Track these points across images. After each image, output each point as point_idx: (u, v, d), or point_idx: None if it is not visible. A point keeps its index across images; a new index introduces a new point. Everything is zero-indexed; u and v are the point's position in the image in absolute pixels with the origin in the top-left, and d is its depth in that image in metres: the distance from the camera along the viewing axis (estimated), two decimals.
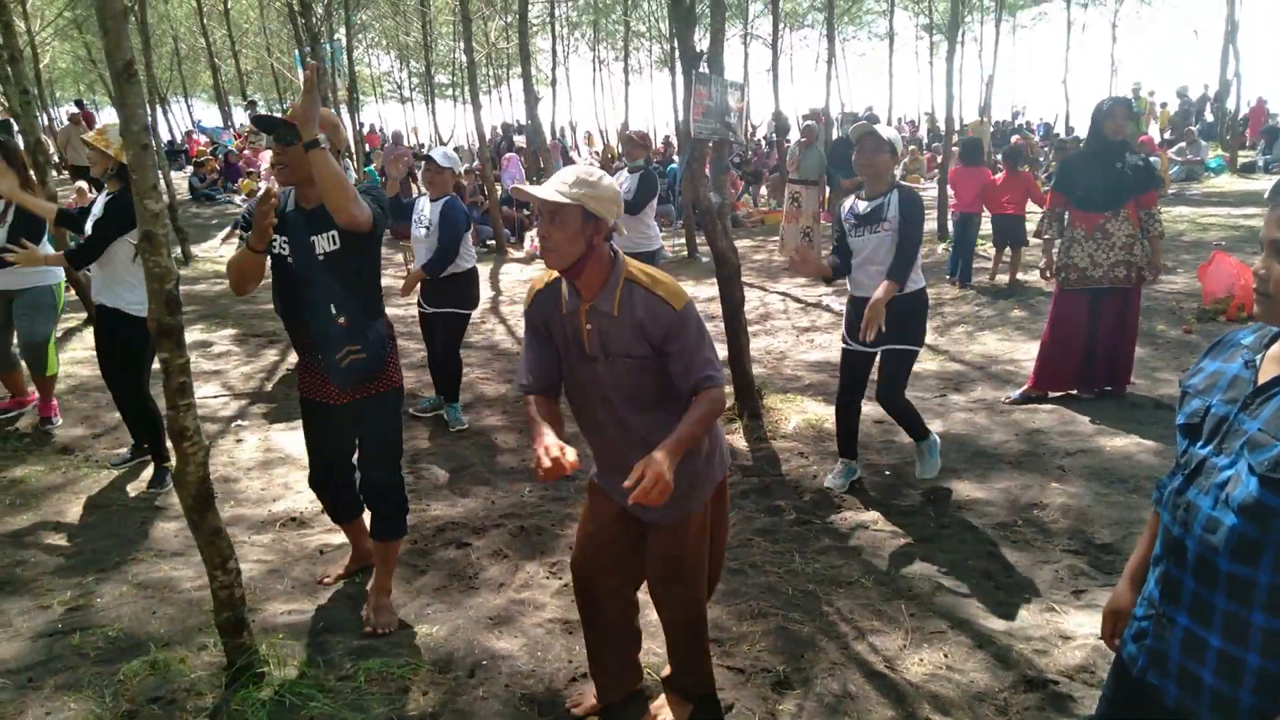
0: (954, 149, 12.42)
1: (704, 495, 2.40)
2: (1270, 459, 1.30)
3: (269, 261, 2.97)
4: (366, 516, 3.30)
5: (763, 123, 23.77)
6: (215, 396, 6.04)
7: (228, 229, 12.88)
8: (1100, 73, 32.49)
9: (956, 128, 17.92)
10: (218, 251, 12.14)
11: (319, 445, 3.20)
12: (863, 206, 4.02)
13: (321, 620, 3.23)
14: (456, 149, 23.27)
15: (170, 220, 9.45)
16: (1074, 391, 5.43)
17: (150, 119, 2.77)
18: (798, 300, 9.02)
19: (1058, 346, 5.30)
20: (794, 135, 16.12)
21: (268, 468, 4.78)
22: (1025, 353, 6.36)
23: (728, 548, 3.70)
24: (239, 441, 5.17)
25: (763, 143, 21.44)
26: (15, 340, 5.34)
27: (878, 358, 4.15)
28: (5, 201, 4.83)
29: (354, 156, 18.24)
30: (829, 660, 2.92)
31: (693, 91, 5.09)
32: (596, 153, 25.18)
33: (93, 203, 4.49)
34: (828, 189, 11.65)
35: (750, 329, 6.10)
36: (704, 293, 8.91)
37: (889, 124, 25.79)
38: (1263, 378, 1.40)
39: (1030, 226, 8.39)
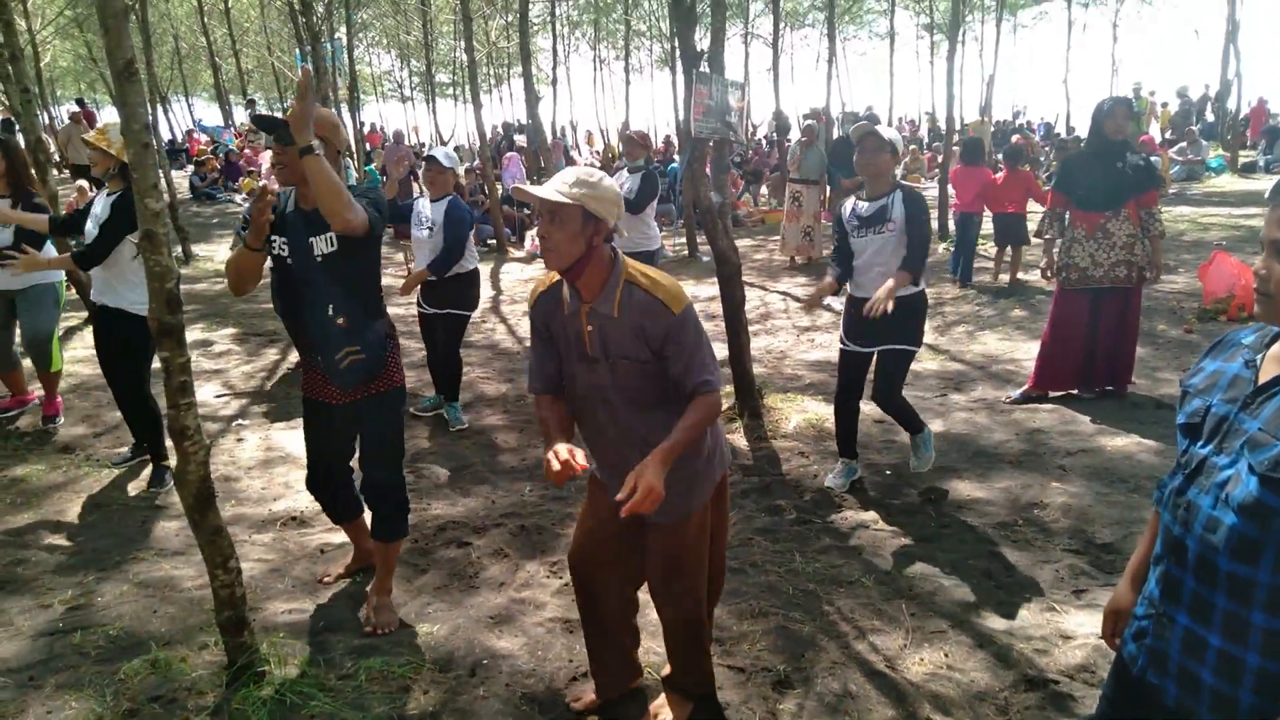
0: (955, 149, 12.42)
1: (704, 494, 2.40)
2: (1270, 458, 1.30)
3: (269, 262, 2.97)
4: (367, 515, 3.30)
5: (763, 122, 23.76)
6: (216, 396, 6.04)
7: (233, 239, 12.88)
8: (1101, 72, 32.49)
9: (957, 127, 17.92)
10: (220, 258, 12.14)
11: (318, 446, 3.20)
12: (865, 208, 4.00)
13: (322, 619, 3.24)
14: (457, 148, 23.28)
15: (171, 219, 9.46)
16: (1075, 391, 5.43)
17: (151, 118, 2.78)
18: (798, 300, 9.02)
19: (1058, 346, 5.30)
20: (794, 134, 16.11)
21: (268, 467, 4.78)
22: (1026, 352, 6.36)
23: (728, 547, 3.70)
24: (240, 441, 5.17)
25: (763, 142, 21.43)
26: (17, 339, 5.34)
27: (875, 358, 4.16)
28: (13, 205, 4.83)
29: (354, 156, 18.24)
30: (829, 660, 2.92)
31: (693, 91, 5.09)
32: (597, 152, 25.19)
33: (90, 203, 4.48)
34: (828, 188, 11.66)
35: (751, 328, 6.09)
36: (704, 292, 8.91)
37: (889, 124, 25.80)
38: (1263, 377, 1.40)
39: (1031, 226, 8.40)
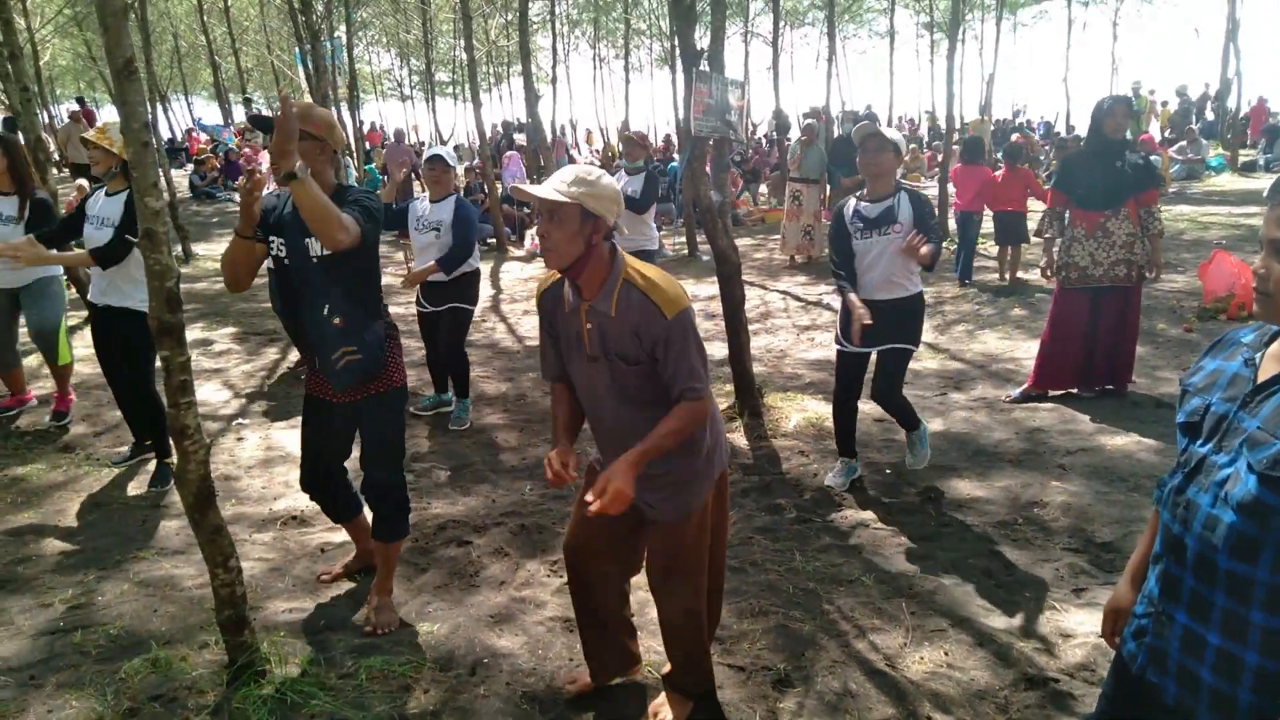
0: (955, 148, 12.42)
1: (703, 493, 2.41)
2: (1269, 457, 1.30)
3: (269, 263, 2.97)
4: (367, 514, 3.29)
5: (763, 121, 23.75)
6: (217, 395, 6.04)
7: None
8: (1101, 71, 32.46)
9: (957, 126, 17.91)
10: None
11: (316, 444, 3.18)
12: (869, 209, 3.96)
13: (323, 618, 3.24)
14: (457, 147, 23.30)
15: (171, 218, 9.46)
16: (1074, 390, 5.43)
17: (150, 116, 2.77)
18: (798, 299, 9.03)
19: (1058, 345, 5.30)
20: (794, 133, 16.12)
21: (269, 466, 4.78)
22: (1026, 351, 6.36)
23: (728, 546, 3.71)
24: (240, 440, 5.17)
25: (763, 141, 21.43)
26: (19, 336, 5.34)
27: (873, 357, 4.15)
28: (20, 202, 4.83)
29: (354, 155, 18.24)
30: (829, 658, 2.93)
31: (693, 89, 5.08)
32: (596, 151, 25.17)
33: (83, 204, 4.44)
34: (828, 187, 11.66)
35: (751, 327, 6.10)
36: (704, 291, 8.91)
37: (889, 123, 25.80)
38: (1262, 376, 1.40)
39: (1031, 225, 8.41)
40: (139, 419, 4.70)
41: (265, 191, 2.92)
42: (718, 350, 6.07)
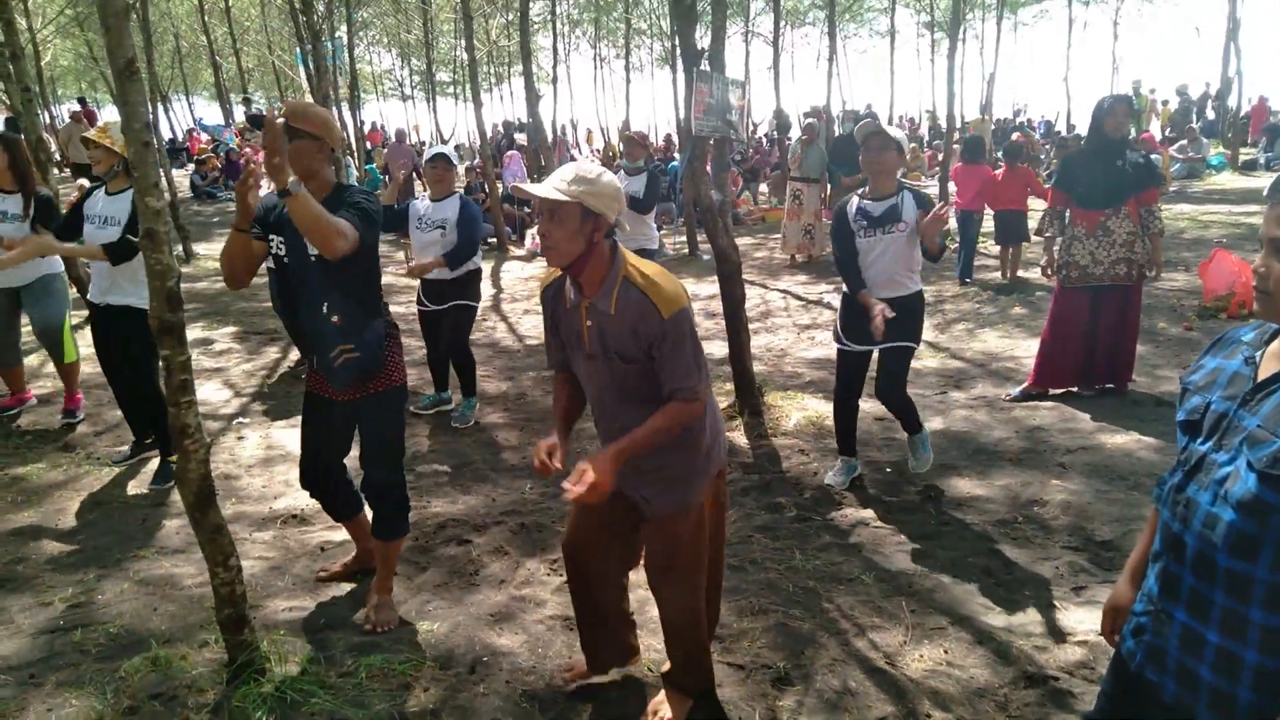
0: (955, 147, 12.41)
1: (701, 489, 2.41)
2: (1269, 455, 1.30)
3: (269, 262, 2.97)
4: (368, 512, 3.29)
5: (764, 120, 23.75)
6: (217, 394, 6.04)
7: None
8: (1102, 70, 32.46)
9: (957, 125, 17.90)
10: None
11: (316, 441, 3.18)
12: (873, 207, 3.95)
13: (323, 617, 3.24)
14: (457, 147, 23.29)
15: (172, 218, 9.46)
16: (1075, 389, 5.43)
17: (152, 116, 2.78)
18: (799, 298, 9.03)
19: (1058, 344, 5.30)
20: (795, 133, 16.12)
21: (269, 465, 4.79)
22: (1026, 350, 6.36)
23: (728, 544, 3.70)
24: (240, 439, 5.18)
25: (764, 140, 21.43)
26: (21, 335, 5.33)
27: (874, 356, 4.15)
28: (25, 201, 4.83)
29: (355, 155, 18.25)
30: (829, 656, 2.93)
31: (694, 89, 5.08)
32: (597, 150, 25.17)
33: (80, 203, 4.43)
34: (829, 186, 11.66)
35: (751, 326, 6.10)
36: (705, 290, 8.91)
37: (889, 122, 25.76)
38: (1262, 374, 1.40)
39: (1031, 224, 8.41)
40: (139, 417, 4.71)
41: (264, 191, 2.92)
42: (718, 349, 6.08)
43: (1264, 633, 1.34)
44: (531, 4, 19.85)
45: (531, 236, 12.75)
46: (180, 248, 11.19)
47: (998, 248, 9.16)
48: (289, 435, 5.13)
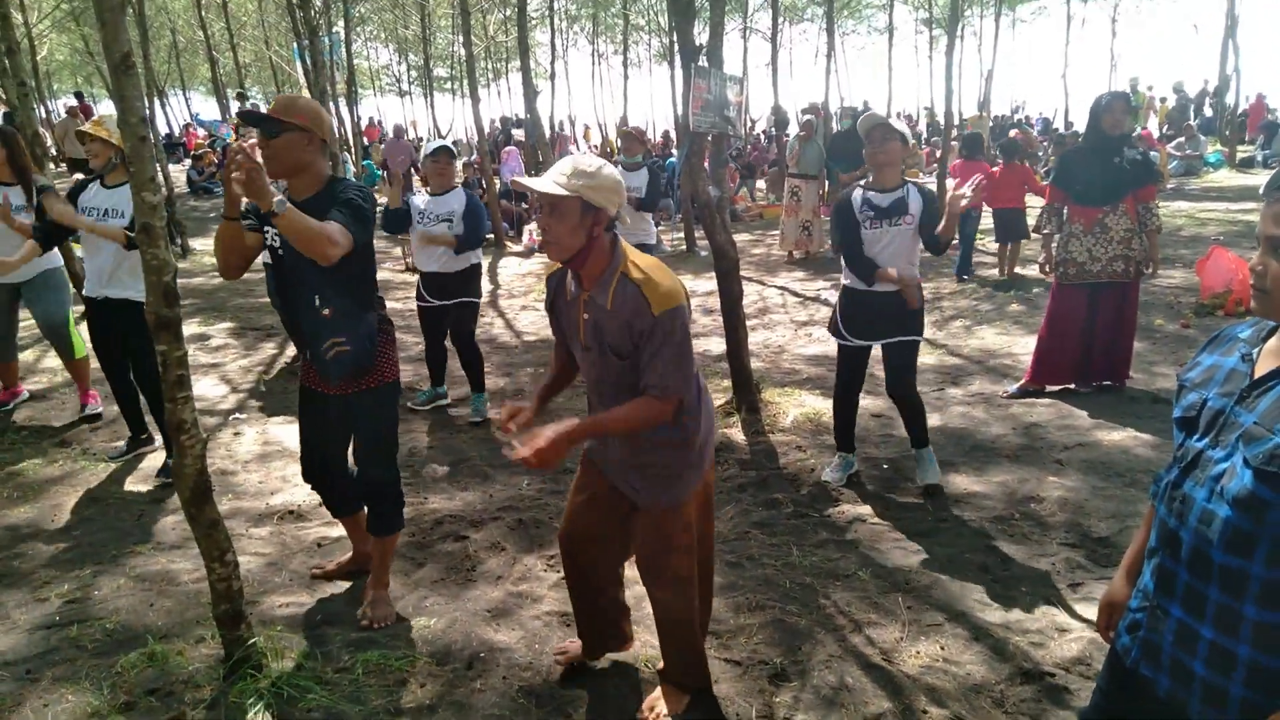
0: (953, 143, 12.41)
1: (690, 485, 2.42)
2: (1265, 452, 1.31)
3: (265, 257, 2.96)
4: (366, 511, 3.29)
5: (762, 117, 23.73)
6: (214, 389, 6.04)
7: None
8: (1099, 67, 32.47)
9: (955, 122, 17.89)
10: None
11: (314, 434, 3.18)
12: (880, 198, 3.93)
13: (319, 613, 3.24)
14: (455, 143, 23.22)
15: (168, 213, 9.43)
16: (1072, 385, 5.44)
17: (148, 111, 2.77)
18: (796, 294, 9.03)
19: (1056, 341, 5.31)
20: (793, 129, 16.11)
21: (266, 461, 4.78)
22: (1023, 347, 6.36)
23: (725, 540, 3.72)
24: (237, 435, 5.17)
25: (762, 137, 21.41)
26: (19, 331, 5.32)
27: (874, 352, 4.15)
28: (26, 189, 4.80)
29: (352, 150, 18.22)
30: (826, 652, 2.93)
31: (692, 85, 5.07)
32: (594, 146, 25.14)
33: (74, 194, 4.39)
34: (827, 183, 11.66)
35: (749, 323, 6.09)
36: (703, 286, 8.91)
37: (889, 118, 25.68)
38: (1259, 371, 1.41)
39: (1030, 220, 8.41)
40: (136, 413, 4.69)
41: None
42: (716, 345, 6.07)
43: (1258, 629, 1.35)
44: None
45: (529, 233, 12.74)
46: (177, 242, 11.17)
47: (996, 244, 9.17)
48: (286, 431, 5.13)
